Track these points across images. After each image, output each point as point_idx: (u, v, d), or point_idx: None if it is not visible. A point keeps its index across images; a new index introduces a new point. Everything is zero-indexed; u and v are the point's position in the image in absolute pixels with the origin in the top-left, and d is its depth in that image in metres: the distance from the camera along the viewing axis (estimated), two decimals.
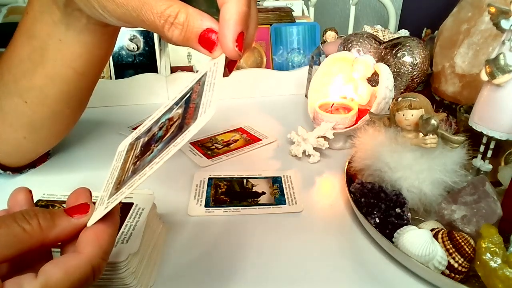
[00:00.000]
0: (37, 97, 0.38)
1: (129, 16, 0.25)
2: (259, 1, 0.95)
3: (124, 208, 0.34)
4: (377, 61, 0.54)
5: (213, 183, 0.46)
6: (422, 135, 0.38)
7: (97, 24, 0.34)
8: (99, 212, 0.23)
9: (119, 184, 0.24)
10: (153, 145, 0.24)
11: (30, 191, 0.25)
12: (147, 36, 0.71)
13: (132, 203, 0.34)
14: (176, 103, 0.27)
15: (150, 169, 0.22)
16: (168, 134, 0.24)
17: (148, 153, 0.24)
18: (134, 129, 0.30)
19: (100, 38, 0.36)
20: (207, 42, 0.25)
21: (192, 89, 0.26)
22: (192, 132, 0.21)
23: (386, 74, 0.51)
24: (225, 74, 0.26)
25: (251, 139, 0.58)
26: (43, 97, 0.39)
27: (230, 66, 0.27)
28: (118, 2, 0.25)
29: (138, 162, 0.24)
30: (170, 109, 0.27)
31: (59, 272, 0.20)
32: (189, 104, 0.25)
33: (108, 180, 0.26)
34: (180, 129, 0.23)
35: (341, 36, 0.84)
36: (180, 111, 0.25)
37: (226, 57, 0.25)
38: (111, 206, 0.23)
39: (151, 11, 0.24)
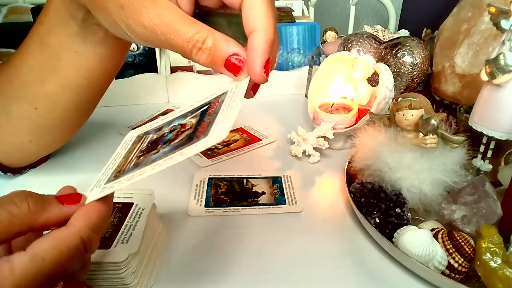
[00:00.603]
0: (47, 104, 0.38)
1: (157, 39, 0.26)
2: None
3: (124, 208, 0.34)
4: (377, 61, 0.54)
5: (213, 183, 0.46)
6: (422, 135, 0.38)
7: (114, 38, 0.34)
8: (94, 194, 0.24)
9: (119, 172, 0.24)
10: (160, 145, 0.25)
11: None
12: None
13: (132, 203, 0.34)
14: (192, 112, 0.27)
15: (152, 169, 0.22)
16: (177, 139, 0.24)
17: (153, 152, 0.24)
18: (134, 129, 0.30)
19: (115, 49, 0.37)
20: (232, 67, 0.26)
21: (210, 104, 0.26)
22: (200, 147, 0.22)
23: (386, 74, 0.51)
24: (250, 96, 0.28)
25: (251, 139, 0.58)
26: (52, 104, 0.39)
27: (254, 88, 0.28)
28: (147, 26, 0.25)
29: (142, 157, 0.25)
30: (184, 115, 0.27)
31: (48, 244, 0.20)
32: (203, 118, 0.25)
33: (109, 165, 0.27)
34: (190, 139, 0.23)
35: (341, 36, 0.84)
36: (194, 121, 0.25)
37: (250, 80, 0.26)
38: (106, 192, 0.23)
39: (179, 36, 0.25)
